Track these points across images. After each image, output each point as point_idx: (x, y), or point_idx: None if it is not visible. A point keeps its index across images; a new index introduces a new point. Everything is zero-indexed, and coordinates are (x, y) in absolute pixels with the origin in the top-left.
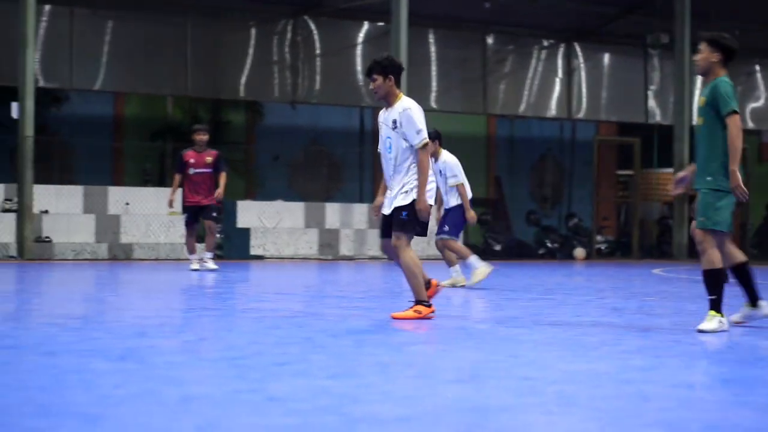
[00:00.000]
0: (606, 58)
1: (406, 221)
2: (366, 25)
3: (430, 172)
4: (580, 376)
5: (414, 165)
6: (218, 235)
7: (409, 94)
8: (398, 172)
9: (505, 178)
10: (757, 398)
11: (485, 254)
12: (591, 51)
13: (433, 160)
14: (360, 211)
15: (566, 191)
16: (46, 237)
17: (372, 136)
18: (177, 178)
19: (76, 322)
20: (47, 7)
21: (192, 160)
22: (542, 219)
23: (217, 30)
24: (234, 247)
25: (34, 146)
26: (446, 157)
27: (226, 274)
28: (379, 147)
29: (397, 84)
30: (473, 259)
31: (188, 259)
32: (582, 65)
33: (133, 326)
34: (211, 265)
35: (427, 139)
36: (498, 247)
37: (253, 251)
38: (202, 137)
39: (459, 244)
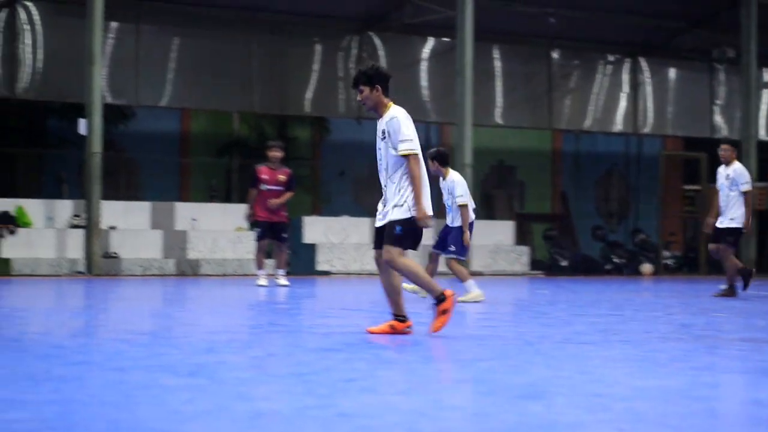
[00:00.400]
0: (672, 72)
1: (401, 236)
2: (431, 41)
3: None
4: (650, 393)
5: (406, 176)
6: (287, 252)
7: (475, 110)
8: (391, 182)
9: (570, 193)
10: None
11: (552, 270)
12: (657, 65)
13: (441, 178)
14: None
15: (632, 206)
16: (114, 253)
17: None
18: (252, 192)
19: (144, 338)
20: (114, 24)
21: (265, 176)
22: (608, 234)
23: (283, 46)
24: (300, 262)
25: (102, 162)
26: (454, 176)
27: (293, 290)
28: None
29: (385, 93)
30: (470, 283)
31: (255, 275)
32: (648, 80)
33: (202, 342)
34: (282, 281)
35: (412, 149)
36: (564, 263)
37: (319, 267)
38: (276, 154)
39: (460, 266)
